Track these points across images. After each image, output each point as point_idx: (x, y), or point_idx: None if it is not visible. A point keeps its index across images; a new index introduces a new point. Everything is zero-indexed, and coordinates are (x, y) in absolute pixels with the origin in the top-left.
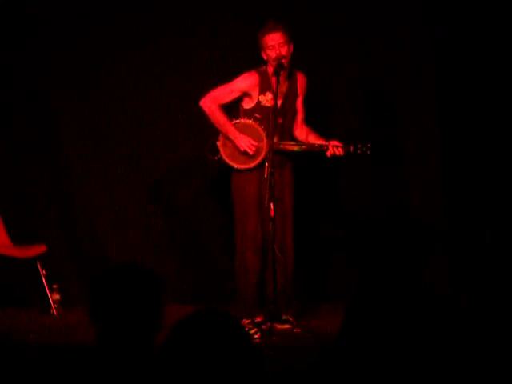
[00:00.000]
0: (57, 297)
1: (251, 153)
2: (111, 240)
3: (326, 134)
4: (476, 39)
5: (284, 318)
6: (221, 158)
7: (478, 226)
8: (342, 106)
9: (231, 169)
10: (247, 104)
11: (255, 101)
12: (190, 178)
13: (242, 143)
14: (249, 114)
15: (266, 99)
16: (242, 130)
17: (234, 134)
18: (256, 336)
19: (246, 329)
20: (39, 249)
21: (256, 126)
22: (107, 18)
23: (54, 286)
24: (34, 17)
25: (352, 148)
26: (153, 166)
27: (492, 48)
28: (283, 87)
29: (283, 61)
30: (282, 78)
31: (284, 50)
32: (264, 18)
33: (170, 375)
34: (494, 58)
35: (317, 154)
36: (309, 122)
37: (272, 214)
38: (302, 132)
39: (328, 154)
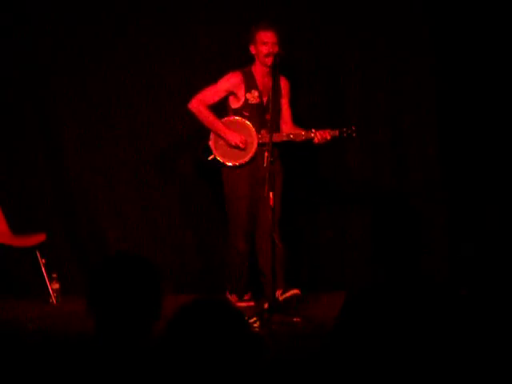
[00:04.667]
0: (56, 286)
1: (242, 146)
2: (110, 230)
3: (330, 121)
4: (472, 25)
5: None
6: (214, 158)
7: (478, 213)
8: (341, 99)
9: (223, 166)
10: (235, 103)
11: (242, 99)
12: (188, 169)
13: (232, 138)
14: (238, 113)
15: (253, 96)
16: (231, 126)
17: (223, 130)
18: (255, 325)
19: (246, 317)
20: (38, 238)
21: (244, 122)
22: (105, 15)
23: (54, 275)
24: (34, 15)
25: (337, 132)
26: (152, 156)
27: (489, 31)
28: (267, 85)
29: (270, 59)
30: (264, 76)
31: (275, 49)
32: (258, 16)
33: (169, 363)
34: (491, 41)
35: (305, 143)
36: (309, 113)
37: (271, 203)
38: (290, 129)
39: (315, 140)
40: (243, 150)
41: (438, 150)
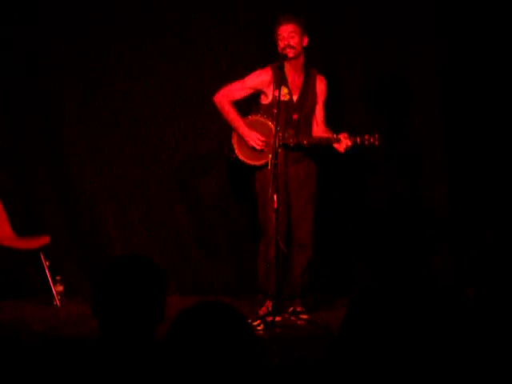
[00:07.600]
0: (60, 288)
1: (258, 148)
2: (114, 232)
3: (336, 126)
4: (482, 28)
5: (290, 310)
6: (236, 157)
7: (483, 214)
8: (351, 100)
9: (246, 165)
10: (264, 100)
11: (271, 96)
12: (193, 169)
13: (250, 139)
14: (267, 109)
15: (282, 93)
16: (253, 126)
17: (243, 129)
18: (259, 328)
19: (250, 320)
20: (42, 240)
21: (266, 121)
22: (112, 15)
23: (58, 278)
24: (36, 14)
25: (358, 139)
26: (156, 158)
27: (498, 38)
28: (298, 82)
29: (288, 51)
30: (294, 72)
31: (294, 41)
32: (276, 13)
33: (171, 366)
34: (500, 46)
35: (328, 148)
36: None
37: (275, 205)
38: (319, 131)
39: (341, 147)
40: (260, 151)
41: (445, 150)
